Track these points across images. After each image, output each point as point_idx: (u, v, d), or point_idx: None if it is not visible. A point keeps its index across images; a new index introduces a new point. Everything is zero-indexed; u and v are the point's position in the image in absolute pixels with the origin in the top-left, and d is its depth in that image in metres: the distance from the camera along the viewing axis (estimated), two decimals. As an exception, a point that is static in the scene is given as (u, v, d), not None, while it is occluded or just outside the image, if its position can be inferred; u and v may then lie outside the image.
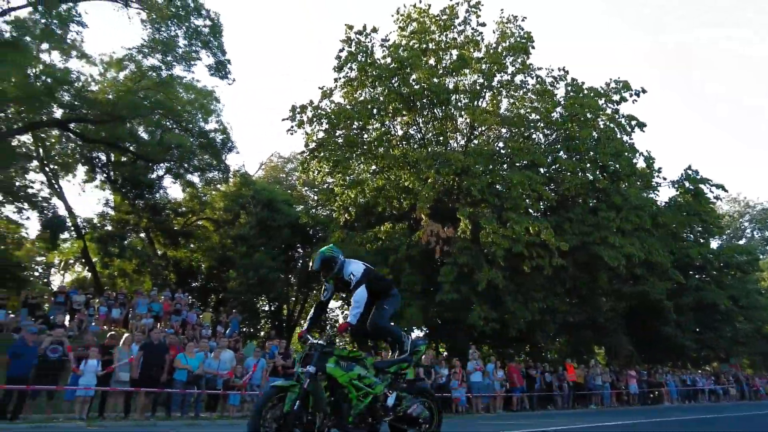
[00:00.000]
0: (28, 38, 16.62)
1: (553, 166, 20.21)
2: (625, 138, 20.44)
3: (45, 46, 17.93)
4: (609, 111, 20.46)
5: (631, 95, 20.22)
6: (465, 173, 17.67)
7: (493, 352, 21.28)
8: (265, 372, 11.78)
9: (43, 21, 16.86)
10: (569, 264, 17.45)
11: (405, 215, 19.92)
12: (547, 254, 16.65)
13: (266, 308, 23.71)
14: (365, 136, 20.18)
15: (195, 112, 22.32)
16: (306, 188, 28.63)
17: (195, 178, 24.84)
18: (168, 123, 21.70)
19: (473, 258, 16.94)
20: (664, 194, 63.21)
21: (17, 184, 23.35)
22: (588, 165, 19.55)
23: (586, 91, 20.19)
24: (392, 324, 4.98)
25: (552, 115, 19.77)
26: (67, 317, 14.46)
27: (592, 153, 19.44)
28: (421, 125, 20.47)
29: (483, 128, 20.17)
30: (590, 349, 23.43)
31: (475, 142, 20.70)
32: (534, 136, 21.10)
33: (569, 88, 20.55)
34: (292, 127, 19.44)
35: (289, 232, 23.33)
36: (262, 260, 21.56)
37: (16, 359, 9.20)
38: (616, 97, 20.30)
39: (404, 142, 20.55)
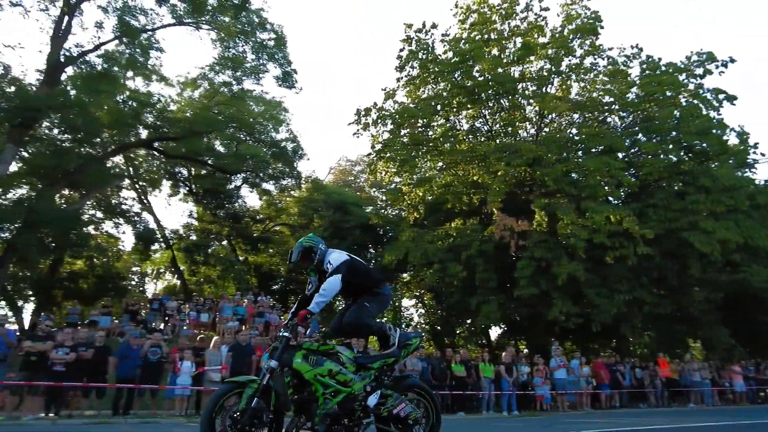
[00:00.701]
0: (115, 68, 18.06)
1: (632, 150, 19.07)
2: (713, 114, 18.87)
3: (130, 73, 19.43)
4: (692, 86, 18.99)
5: (717, 67, 18.64)
6: (537, 163, 17.11)
7: (576, 348, 20.43)
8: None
9: (127, 51, 18.28)
10: (655, 253, 16.37)
11: (476, 210, 19.60)
12: (631, 243, 15.73)
13: (341, 308, 24.22)
14: (430, 133, 20.11)
15: (266, 124, 23.30)
16: (374, 189, 29.01)
17: (270, 186, 25.96)
18: (242, 135, 22.76)
19: (551, 251, 16.36)
20: (764, 172, 58.30)
21: (113, 201, 25.63)
22: (671, 146, 18.24)
23: (663, 68, 18.87)
24: (376, 320, 4.44)
25: (627, 96, 18.68)
26: (162, 322, 15.64)
27: (674, 133, 18.14)
28: (487, 117, 20.07)
29: (553, 115, 19.45)
30: (683, 343, 21.82)
31: (546, 130, 19.98)
32: (609, 119, 20.05)
33: (644, 66, 19.31)
34: (357, 130, 19.79)
35: (360, 233, 23.72)
36: (336, 262, 22.06)
37: (123, 360, 10.07)
38: (699, 71, 18.82)
39: (471, 136, 20.24)
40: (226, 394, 3.76)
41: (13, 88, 15.99)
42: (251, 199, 61.58)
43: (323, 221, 24.77)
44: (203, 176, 26.42)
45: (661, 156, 17.98)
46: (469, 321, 20.45)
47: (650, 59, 19.29)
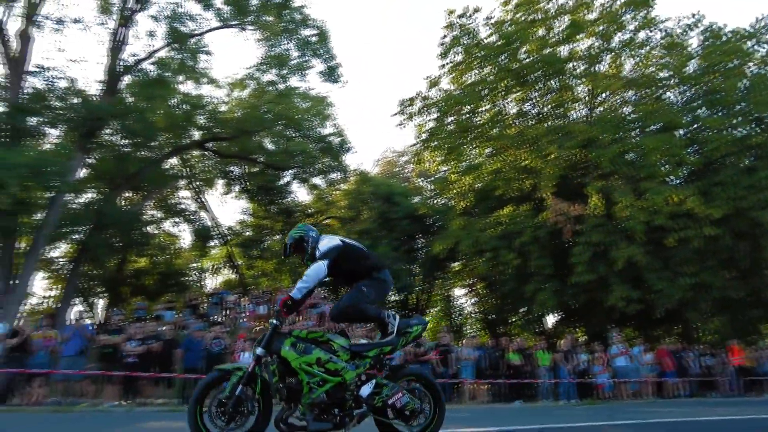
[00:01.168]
0: (168, 74, 18.80)
1: (694, 126, 18.00)
2: (789, 81, 17.47)
3: (181, 78, 20.15)
4: (761, 53, 17.66)
5: (792, 28, 17.25)
6: (591, 144, 16.48)
7: (638, 335, 19.65)
8: (400, 359, 12.11)
9: (177, 57, 18.97)
10: (723, 234, 15.43)
11: (527, 196, 19.12)
12: (696, 224, 14.90)
13: (395, 298, 24.34)
14: (477, 119, 19.73)
15: (312, 119, 23.64)
16: (421, 179, 28.89)
17: (319, 180, 26.36)
18: (290, 132, 23.20)
19: (608, 235, 15.76)
20: None
21: (171, 201, 26.88)
22: (738, 119, 17.08)
23: (728, 35, 17.64)
24: (374, 306, 4.20)
25: (686, 69, 17.60)
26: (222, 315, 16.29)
27: (742, 105, 16.96)
28: (536, 100, 19.48)
29: (606, 94, 18.63)
30: (757, 330, 20.51)
31: (599, 110, 19.17)
32: (666, 95, 18.98)
33: (705, 35, 18.11)
34: (402, 121, 19.72)
35: (408, 223, 23.70)
36: (386, 252, 22.18)
37: (188, 352, 10.58)
38: (769, 36, 17.48)
39: (519, 120, 19.71)
40: (213, 382, 3.76)
41: (78, 100, 16.96)
42: (301, 193, 62.87)
43: (371, 213, 24.92)
44: (255, 174, 27.17)
45: (727, 130, 16.88)
46: (523, 309, 20.06)
47: (712, 27, 18.07)
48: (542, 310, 17.61)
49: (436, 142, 19.24)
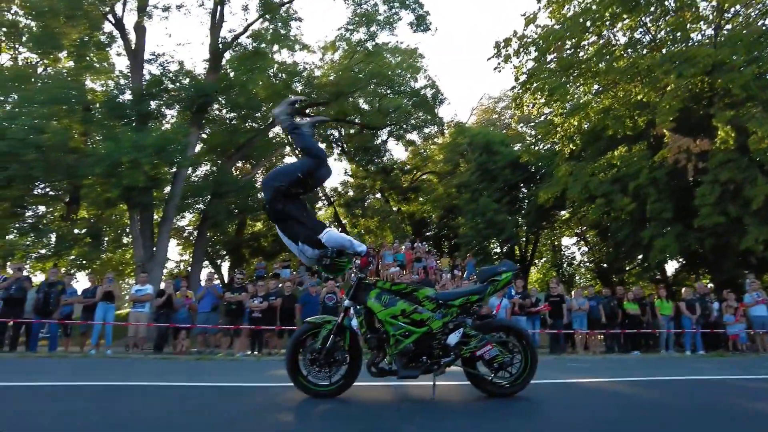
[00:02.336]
0: (263, 45, 19.52)
1: None
2: None
3: (275, 47, 20.82)
4: None
5: None
6: (718, 69, 14.43)
7: (779, 281, 17.51)
8: (507, 311, 12.02)
9: (271, 27, 19.56)
10: None
11: (642, 134, 17.42)
12: None
13: (498, 250, 24.00)
14: (581, 54, 18.09)
15: (404, 74, 23.37)
16: (522, 125, 27.57)
17: (414, 136, 26.35)
18: (383, 90, 23.19)
19: (741, 171, 13.95)
20: None
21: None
22: None
23: None
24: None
25: None
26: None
27: None
28: (649, 26, 17.35)
29: (737, 8, 16.04)
30: None
31: (728, 27, 16.63)
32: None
33: None
34: (498, 64, 18.69)
35: (510, 173, 22.93)
36: (487, 204, 21.74)
37: (305, 306, 11.39)
38: None
39: (630, 50, 17.75)
40: (304, 335, 3.91)
41: (187, 80, 18.32)
42: (398, 151, 63.28)
43: (470, 164, 24.42)
44: (353, 135, 27.79)
45: None
46: (640, 256, 18.72)
47: None
48: (661, 256, 16.26)
49: (536, 84, 18.02)
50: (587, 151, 19.18)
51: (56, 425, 2.88)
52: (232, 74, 19.21)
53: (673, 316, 12.48)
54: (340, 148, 29.24)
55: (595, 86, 18.49)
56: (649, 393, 4.61)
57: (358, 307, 3.85)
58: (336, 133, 28.59)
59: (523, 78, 18.48)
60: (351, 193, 29.50)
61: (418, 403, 3.77)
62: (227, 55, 19.34)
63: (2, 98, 18.67)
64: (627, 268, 21.98)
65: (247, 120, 21.10)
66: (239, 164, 24.50)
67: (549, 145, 22.00)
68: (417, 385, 4.53)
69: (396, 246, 18.21)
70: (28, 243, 16.32)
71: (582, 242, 27.80)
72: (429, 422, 3.08)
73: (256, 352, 10.75)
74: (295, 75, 20.81)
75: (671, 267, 21.36)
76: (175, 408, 3.43)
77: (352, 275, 4.04)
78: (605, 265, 23.82)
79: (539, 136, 22.40)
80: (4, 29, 20.85)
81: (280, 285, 12.52)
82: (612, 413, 3.52)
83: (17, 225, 16.48)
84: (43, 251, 17.09)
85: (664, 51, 16.52)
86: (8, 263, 13.13)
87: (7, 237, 16.02)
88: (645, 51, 17.42)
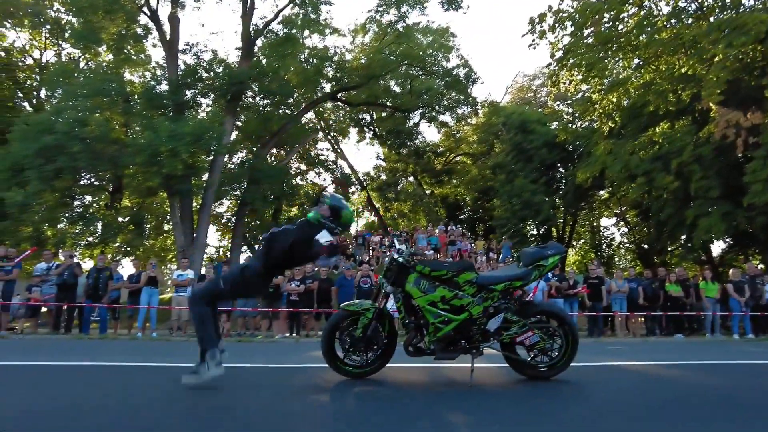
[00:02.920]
0: (294, 30, 19.55)
1: None
2: None
3: (306, 32, 20.82)
4: None
5: None
6: (772, 37, 13.59)
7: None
8: (544, 294, 11.86)
9: (301, 12, 19.54)
10: None
11: (687, 109, 16.64)
12: None
13: (534, 232, 23.61)
14: (620, 27, 17.34)
15: (435, 54, 23.01)
16: (558, 102, 26.84)
17: (447, 117, 25.96)
18: (414, 71, 22.93)
19: (796, 144, 13.19)
20: None
21: (312, 153, 28.75)
22: None
23: None
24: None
25: None
26: (366, 255, 17.35)
27: None
28: (694, -7, 16.46)
29: (794, -32, 15.00)
30: None
31: (784, -10, 15.58)
32: None
33: None
34: (533, 41, 18.12)
35: (547, 152, 22.41)
36: (523, 185, 21.36)
37: (341, 289, 11.55)
38: None
39: (674, 21, 16.89)
40: (341, 322, 3.90)
41: (221, 69, 18.58)
42: (430, 133, 62.67)
43: (505, 145, 23.98)
44: (384, 118, 27.69)
45: None
46: (684, 237, 18.05)
47: None
48: (707, 237, 15.63)
49: (573, 60, 17.39)
50: (627, 128, 18.51)
51: (119, 400, 3.04)
52: (264, 61, 19.36)
53: (719, 299, 12.04)
54: (371, 132, 29.21)
55: (636, 60, 17.71)
56: (693, 376, 4.48)
57: (392, 288, 3.83)
58: (367, 117, 28.55)
59: (559, 54, 17.87)
60: (383, 177, 29.49)
61: (455, 385, 3.78)
62: (259, 42, 19.49)
63: (50, 93, 19.47)
64: (669, 249, 21.26)
65: (280, 106, 21.29)
66: (273, 151, 24.81)
67: (587, 123, 21.34)
68: (453, 368, 4.55)
69: (430, 229, 18.16)
70: (77, 231, 17.09)
71: (622, 223, 27.04)
72: (466, 405, 3.08)
73: (294, 335, 10.99)
74: (326, 60, 20.81)
75: (717, 247, 20.55)
76: (217, 386, 3.55)
77: (386, 258, 4.06)
78: (646, 246, 23.13)
79: (576, 114, 21.74)
80: (48, 26, 21.67)
81: (316, 269, 12.72)
82: (655, 396, 3.44)
83: (67, 214, 17.26)
84: (90, 239, 17.87)
85: (711, 19, 15.64)
86: (60, 251, 13.80)
87: (58, 226, 16.82)
88: (690, 21, 16.53)
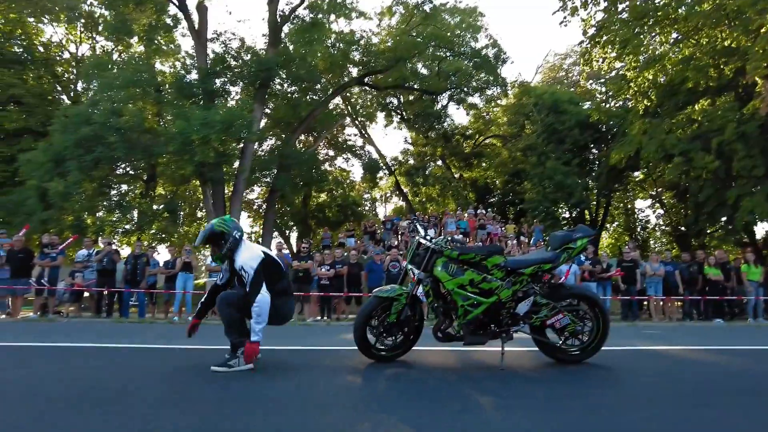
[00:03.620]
0: (320, 15, 19.49)
1: None
2: None
3: (332, 17, 20.73)
4: None
5: None
6: (824, 4, 12.78)
7: None
8: (577, 277, 11.66)
9: (326, -5, 19.43)
10: None
11: (729, 85, 15.89)
12: None
13: (567, 215, 23.13)
14: (657, 0, 16.62)
15: (464, 34, 22.60)
16: (591, 81, 26.04)
17: (476, 99, 25.54)
18: (442, 52, 22.59)
19: None
20: None
21: (340, 139, 28.82)
22: None
23: None
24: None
25: None
26: (395, 240, 17.37)
27: None
28: (739, -41, 15.57)
29: None
30: None
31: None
32: None
33: None
34: (564, 17, 17.56)
35: (579, 133, 21.83)
36: (555, 167, 20.91)
37: (371, 274, 11.64)
38: None
39: (715, -9, 16.06)
40: (376, 309, 3.93)
41: (249, 56, 18.72)
42: (459, 116, 61.86)
43: (536, 126, 23.47)
44: (411, 102, 27.44)
45: None
46: (724, 218, 17.39)
47: None
48: (750, 218, 15.01)
49: (606, 36, 16.77)
50: (664, 106, 17.83)
51: (159, 380, 3.16)
52: (291, 47, 19.40)
53: (762, 282, 11.59)
54: (399, 116, 29.01)
55: (674, 35, 16.96)
56: (733, 362, 4.35)
57: (424, 274, 3.82)
58: (395, 101, 28.34)
59: (591, 31, 17.28)
60: (411, 162, 29.33)
61: (485, 368, 3.78)
62: (286, 29, 19.53)
63: (86, 86, 20.05)
64: (708, 231, 20.54)
65: (307, 93, 21.36)
66: (302, 137, 24.98)
67: (621, 102, 20.66)
68: (483, 351, 4.54)
69: (459, 213, 18.02)
70: (114, 219, 17.68)
71: (657, 204, 26.23)
72: (496, 388, 3.08)
73: (325, 318, 11.16)
74: (352, 44, 20.72)
75: (761, 229, 19.74)
76: (251, 367, 3.64)
77: (413, 241, 4.05)
78: (683, 229, 22.39)
79: (610, 93, 21.07)
80: (83, 20, 22.23)
81: (346, 253, 12.83)
82: (691, 381, 3.36)
83: (105, 203, 17.87)
84: (127, 226, 18.46)
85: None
86: (99, 238, 14.32)
87: (97, 214, 17.44)
88: (733, -10, 15.70)
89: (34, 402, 2.59)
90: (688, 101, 16.75)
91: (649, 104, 17.43)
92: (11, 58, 20.40)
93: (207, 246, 3.92)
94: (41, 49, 22.43)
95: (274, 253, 4.10)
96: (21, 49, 21.40)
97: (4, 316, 10.71)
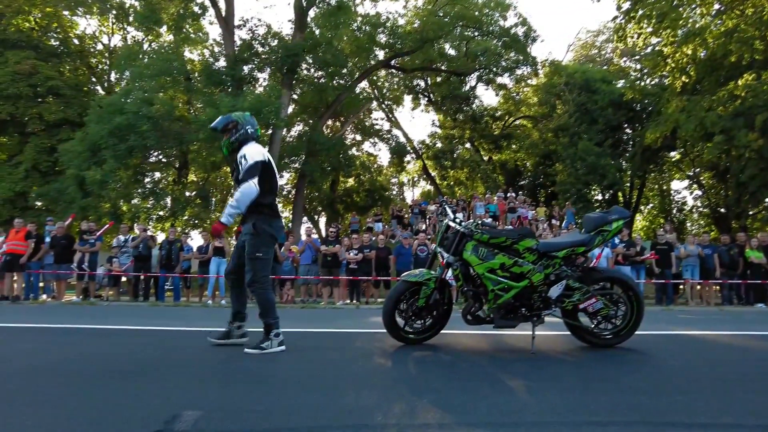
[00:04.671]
0: (345, -2, 19.32)
1: None
2: None
3: (358, 0, 20.54)
4: None
5: None
6: None
7: None
8: (610, 261, 11.40)
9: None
10: None
11: (775, 57, 15.10)
12: None
13: (599, 197, 22.57)
14: (698, -30, 15.83)
15: (492, 13, 22.07)
16: (625, 59, 25.15)
17: (505, 79, 25.01)
18: (470, 32, 22.15)
19: None
20: None
21: (367, 123, 28.73)
22: None
23: None
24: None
25: None
26: (423, 224, 17.31)
27: None
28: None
29: None
30: None
31: None
32: None
33: None
34: (597, -8, 16.92)
35: (612, 112, 21.16)
36: (587, 148, 20.38)
37: (399, 258, 11.66)
38: None
39: (762, -42, 15.18)
40: (404, 292, 3.88)
41: (276, 42, 18.76)
42: (488, 97, 60.76)
43: (567, 106, 22.85)
44: (439, 84, 27.08)
45: None
46: None
47: None
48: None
49: (642, 11, 16.11)
50: (703, 83, 17.08)
51: (197, 360, 3.26)
52: (317, 32, 19.34)
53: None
54: (426, 99, 28.69)
55: (716, 6, 16.16)
56: (776, 347, 4.18)
57: (453, 258, 3.79)
58: (422, 83, 28.02)
59: (626, 5, 16.60)
60: (439, 145, 29.03)
61: (515, 352, 3.75)
62: (312, 13, 19.45)
63: (119, 76, 20.51)
64: (751, 213, 19.74)
65: (334, 77, 21.32)
66: (329, 122, 25.01)
67: (656, 80, 19.88)
68: (513, 335, 4.50)
69: (488, 197, 17.81)
70: (149, 206, 18.18)
71: (695, 185, 25.31)
72: (526, 371, 3.05)
73: (354, 301, 11.27)
74: (378, 26, 20.50)
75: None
76: (282, 348, 3.71)
77: (442, 224, 4.02)
78: (723, 210, 21.59)
79: (645, 70, 20.30)
80: (114, 12, 22.67)
81: (374, 238, 12.87)
82: (730, 365, 3.25)
83: (139, 190, 18.37)
84: (161, 213, 18.96)
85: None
86: (135, 224, 14.76)
87: (132, 201, 17.97)
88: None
89: (82, 377, 2.70)
90: (730, 76, 15.98)
91: (687, 81, 16.73)
92: (49, 51, 21.03)
93: (222, 132, 3.91)
94: (76, 41, 23.02)
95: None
96: (57, 42, 22.02)
97: (49, 299, 11.21)
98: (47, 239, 11.55)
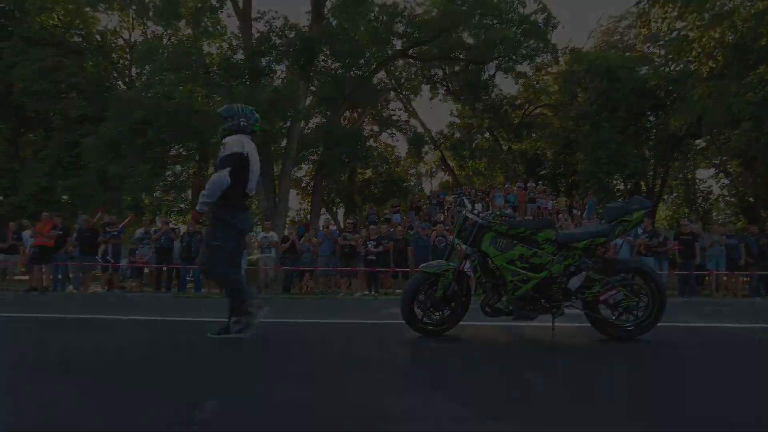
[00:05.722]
0: (363, -14, 19.17)
1: None
2: None
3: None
4: None
5: None
6: None
7: None
8: (633, 251, 11.20)
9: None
10: None
11: (808, 40, 14.56)
12: None
13: (621, 187, 22.14)
14: (727, -51, 15.30)
15: (511, 0, 21.67)
16: (649, 44, 24.48)
17: (524, 67, 24.62)
18: (488, 20, 21.80)
19: None
20: None
21: (384, 114, 28.61)
22: None
23: None
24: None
25: None
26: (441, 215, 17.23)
27: None
28: None
29: None
30: None
31: None
32: None
33: None
34: (620, -24, 16.50)
35: (635, 100, 20.65)
36: (609, 136, 19.96)
37: (417, 249, 11.64)
38: None
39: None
40: (423, 283, 3.89)
41: (293, 34, 18.74)
42: (507, 86, 60.00)
43: (589, 94, 22.39)
44: (457, 73, 26.79)
45: None
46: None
47: None
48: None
49: (666, -5, 15.71)
50: (731, 68, 16.55)
51: (214, 351, 3.30)
52: (334, 23, 19.26)
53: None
54: (444, 88, 28.44)
55: (745, -13, 15.63)
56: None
57: (472, 249, 3.77)
58: (440, 73, 27.76)
59: (651, -11, 16.19)
60: (458, 135, 28.79)
61: (535, 344, 3.71)
62: (328, 4, 19.37)
63: (139, 71, 20.76)
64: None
65: (351, 68, 21.23)
66: (347, 113, 24.97)
67: (682, 66, 19.34)
68: (533, 327, 4.46)
69: (507, 187, 17.62)
70: (170, 199, 18.45)
71: (721, 174, 24.65)
72: (546, 363, 3.01)
73: (373, 292, 11.30)
74: (395, 15, 20.31)
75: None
76: (298, 340, 3.73)
77: (460, 216, 3.99)
78: (751, 199, 21.01)
79: (670, 56, 19.73)
80: (134, 6, 22.91)
81: (392, 229, 12.86)
82: (758, 358, 3.16)
83: (160, 183, 18.64)
84: (182, 206, 19.23)
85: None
86: (157, 217, 15.01)
87: (153, 194, 18.25)
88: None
89: (110, 365, 2.76)
90: (760, 60, 15.47)
91: (714, 66, 16.26)
92: (72, 48, 21.39)
93: (223, 120, 4.05)
94: (98, 37, 23.35)
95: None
96: (80, 39, 22.36)
97: (75, 290, 11.50)
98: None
